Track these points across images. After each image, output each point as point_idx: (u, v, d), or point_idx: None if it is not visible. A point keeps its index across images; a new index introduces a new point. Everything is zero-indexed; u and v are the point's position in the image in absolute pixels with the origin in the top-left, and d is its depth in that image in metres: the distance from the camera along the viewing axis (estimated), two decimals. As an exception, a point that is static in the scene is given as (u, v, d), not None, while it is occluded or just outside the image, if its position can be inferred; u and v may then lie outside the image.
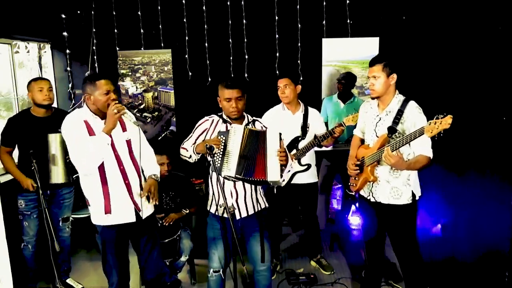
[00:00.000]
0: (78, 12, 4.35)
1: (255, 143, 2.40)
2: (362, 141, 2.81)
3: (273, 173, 2.37)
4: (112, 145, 2.44)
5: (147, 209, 2.61)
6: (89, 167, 2.38)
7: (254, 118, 2.65)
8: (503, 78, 3.26)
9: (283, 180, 2.47)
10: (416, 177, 2.60)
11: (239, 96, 2.45)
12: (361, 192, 2.74)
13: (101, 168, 2.42)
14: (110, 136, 2.40)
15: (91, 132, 2.41)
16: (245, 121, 2.58)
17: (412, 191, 2.56)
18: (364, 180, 2.65)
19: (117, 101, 2.39)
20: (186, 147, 2.54)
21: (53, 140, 2.99)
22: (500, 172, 3.18)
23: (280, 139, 2.46)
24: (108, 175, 2.44)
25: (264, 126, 2.61)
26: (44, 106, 3.04)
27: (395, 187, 2.55)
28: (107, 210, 2.45)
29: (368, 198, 2.68)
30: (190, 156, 2.52)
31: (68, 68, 4.50)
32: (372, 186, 2.64)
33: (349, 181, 2.80)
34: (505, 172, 3.12)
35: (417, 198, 2.59)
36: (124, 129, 2.55)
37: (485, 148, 3.39)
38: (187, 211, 3.34)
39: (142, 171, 2.66)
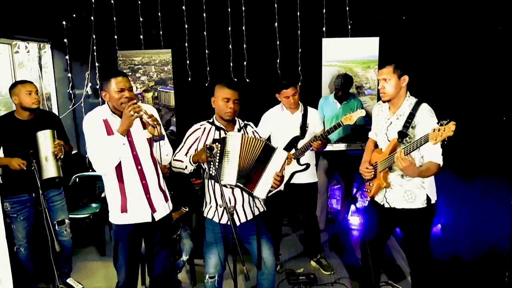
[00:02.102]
0: (79, 12, 4.35)
1: (259, 155, 2.41)
2: (376, 144, 2.76)
3: (260, 191, 2.43)
4: (131, 143, 2.39)
5: (163, 211, 2.55)
6: (105, 167, 2.34)
7: (245, 122, 2.66)
8: (503, 78, 3.26)
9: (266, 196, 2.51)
10: (432, 181, 2.53)
11: (237, 99, 2.45)
12: (375, 198, 2.68)
13: (118, 166, 2.37)
14: (130, 135, 2.37)
15: (109, 131, 2.34)
16: (237, 126, 2.58)
17: (427, 194, 2.49)
18: (377, 186, 2.59)
19: (134, 101, 2.27)
20: (181, 159, 2.50)
21: (42, 136, 2.91)
22: (500, 172, 3.18)
23: (285, 161, 2.46)
24: (125, 174, 2.39)
25: (255, 132, 2.63)
26: (32, 109, 3.00)
27: (408, 190, 2.49)
28: (123, 209, 2.42)
29: (382, 203, 2.62)
30: (186, 167, 2.48)
31: (68, 68, 4.50)
32: (386, 192, 2.58)
33: (364, 187, 2.76)
34: (505, 172, 3.12)
35: (432, 202, 2.51)
36: (145, 126, 2.41)
37: (485, 148, 3.39)
38: (187, 209, 3.34)
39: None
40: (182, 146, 2.55)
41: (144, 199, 2.46)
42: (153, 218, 2.49)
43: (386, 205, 2.59)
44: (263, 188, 2.43)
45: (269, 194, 2.48)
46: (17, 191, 3.03)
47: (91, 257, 3.93)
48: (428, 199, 2.49)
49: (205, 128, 2.55)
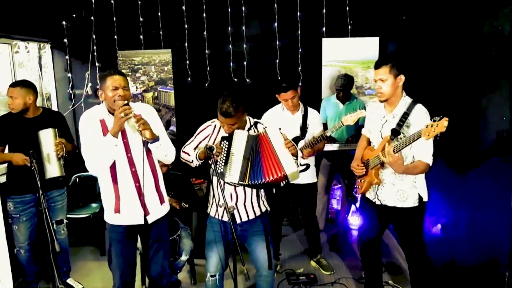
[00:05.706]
0: (79, 12, 4.35)
1: (257, 147, 2.41)
2: (369, 141, 2.77)
3: (289, 165, 2.37)
4: (126, 145, 2.36)
5: (158, 213, 2.51)
6: (97, 167, 2.33)
7: (256, 120, 2.65)
8: (503, 78, 3.25)
9: (300, 167, 2.46)
10: (423, 180, 2.56)
11: (232, 124, 2.41)
12: (367, 194, 2.71)
13: (113, 167, 2.35)
14: (126, 137, 2.34)
15: (105, 132, 2.32)
16: (248, 125, 2.57)
17: (418, 193, 2.52)
18: (369, 183, 2.62)
19: (125, 102, 2.25)
20: (188, 152, 2.53)
21: (44, 136, 2.91)
22: (500, 172, 3.18)
23: (280, 132, 2.48)
24: (119, 176, 2.37)
25: (265, 127, 2.60)
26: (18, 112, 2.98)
27: (401, 189, 2.52)
28: (117, 210, 2.41)
29: (374, 200, 2.65)
30: (192, 161, 2.50)
31: (68, 68, 4.50)
32: (378, 189, 2.61)
33: (355, 184, 2.78)
34: (505, 172, 3.11)
35: (424, 200, 2.55)
36: None
37: (486, 148, 3.38)
38: (187, 206, 3.34)
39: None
40: (193, 140, 2.56)
41: (137, 201, 2.42)
42: (146, 220, 2.46)
43: (378, 202, 2.62)
44: (289, 162, 2.38)
45: (300, 167, 2.44)
46: (21, 191, 3.02)
47: (90, 257, 3.93)
48: (420, 197, 2.53)
49: (215, 125, 2.57)
